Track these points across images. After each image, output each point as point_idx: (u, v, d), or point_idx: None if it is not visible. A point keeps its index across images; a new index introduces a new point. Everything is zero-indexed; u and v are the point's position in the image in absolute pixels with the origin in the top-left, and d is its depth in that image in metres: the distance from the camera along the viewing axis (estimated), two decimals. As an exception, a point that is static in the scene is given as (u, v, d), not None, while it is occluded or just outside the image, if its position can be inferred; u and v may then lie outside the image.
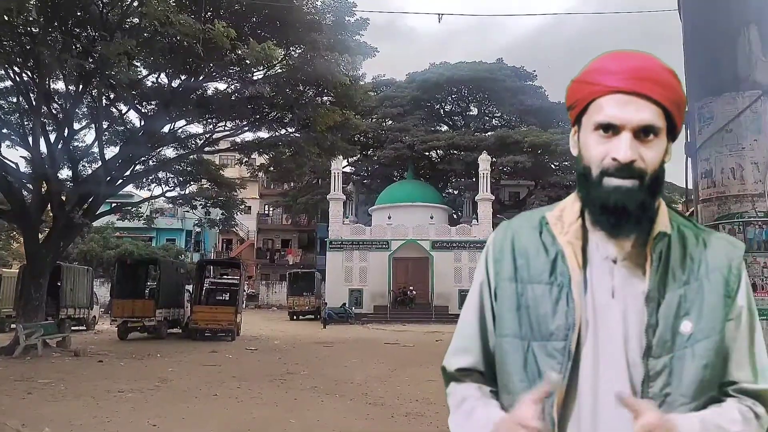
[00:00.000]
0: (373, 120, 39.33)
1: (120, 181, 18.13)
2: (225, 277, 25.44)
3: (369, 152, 42.54)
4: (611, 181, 1.02)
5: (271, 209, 50.76)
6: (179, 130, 22.55)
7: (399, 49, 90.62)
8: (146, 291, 20.19)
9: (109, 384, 10.14)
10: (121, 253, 29.63)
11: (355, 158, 44.42)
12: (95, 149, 19.25)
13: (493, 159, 32.95)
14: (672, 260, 1.05)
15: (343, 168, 41.03)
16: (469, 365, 1.16)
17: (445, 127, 43.93)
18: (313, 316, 31.20)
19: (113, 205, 22.51)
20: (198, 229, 47.58)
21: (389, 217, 32.12)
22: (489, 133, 38.40)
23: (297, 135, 19.49)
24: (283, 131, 21.43)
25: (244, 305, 43.45)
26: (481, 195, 31.80)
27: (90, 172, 18.88)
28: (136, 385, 10.13)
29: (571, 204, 1.12)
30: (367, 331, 25.66)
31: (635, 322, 1.03)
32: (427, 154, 42.76)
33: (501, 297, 1.12)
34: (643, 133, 1.02)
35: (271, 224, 50.84)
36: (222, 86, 21.47)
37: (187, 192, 23.56)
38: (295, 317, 31.73)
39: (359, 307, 30.64)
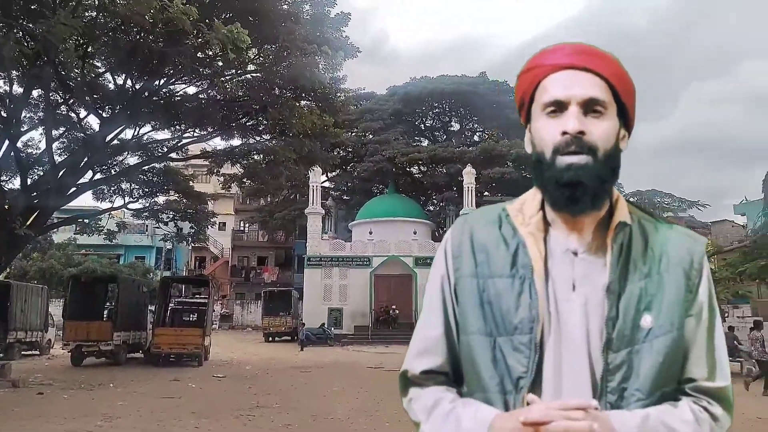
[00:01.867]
0: (353, 133, 38.07)
1: (73, 189, 16.37)
2: (196, 296, 23.62)
3: (348, 167, 41.20)
4: (564, 159, 1.00)
5: (246, 225, 48.89)
6: (144, 137, 20.95)
7: (380, 71, 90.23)
8: (104, 312, 18.29)
9: (40, 424, 8.43)
10: (82, 270, 27.55)
11: (334, 173, 43.12)
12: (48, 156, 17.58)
13: (478, 174, 31.81)
14: (633, 252, 1.03)
15: (322, 182, 39.68)
16: (434, 367, 1.11)
17: (426, 142, 42.90)
18: (290, 338, 29.42)
19: (69, 217, 20.57)
20: (169, 246, 45.47)
21: (370, 233, 30.66)
22: (472, 147, 37.36)
23: (272, 142, 18.04)
24: (257, 139, 19.97)
25: (215, 326, 41.76)
26: (466, 209, 30.53)
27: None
28: (72, 426, 8.44)
29: (531, 197, 1.10)
30: (348, 353, 24.01)
31: (596, 315, 1.02)
32: (408, 168, 41.59)
33: (462, 294, 1.09)
34: (590, 106, 1.01)
35: (246, 241, 48.91)
36: (190, 90, 19.98)
37: (152, 204, 21.79)
38: (270, 339, 29.89)
39: (339, 327, 28.96)
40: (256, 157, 21.84)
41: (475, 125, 43.63)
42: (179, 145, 19.04)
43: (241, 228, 49.58)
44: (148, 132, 21.02)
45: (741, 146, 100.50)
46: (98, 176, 18.49)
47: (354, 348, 25.76)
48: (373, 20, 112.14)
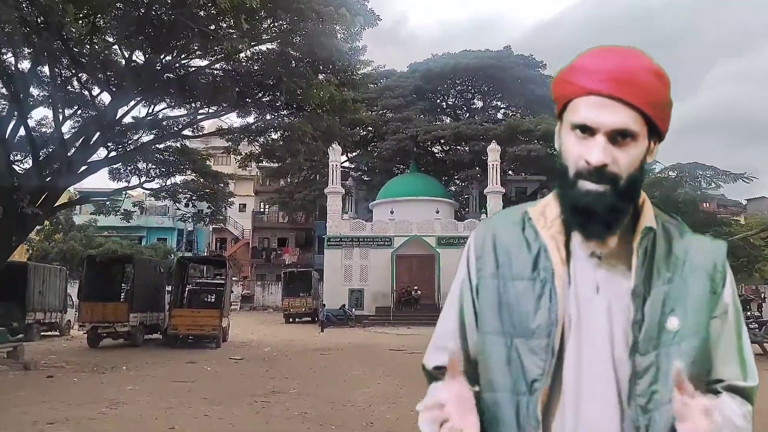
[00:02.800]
0: (374, 112, 37.11)
1: (84, 167, 15.89)
2: (215, 277, 23.22)
3: (369, 146, 40.33)
4: (584, 185, 1.01)
5: (266, 207, 48.50)
6: (158, 115, 20.40)
7: (400, 53, 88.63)
8: (120, 293, 17.93)
9: (42, 410, 7.95)
10: (102, 251, 27.37)
11: (354, 153, 42.28)
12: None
13: (503, 151, 30.69)
14: (657, 256, 1.04)
15: (342, 163, 38.90)
16: (444, 363, 1.07)
17: (448, 120, 41.71)
18: (310, 319, 29.02)
19: (82, 196, 20.18)
20: (190, 228, 45.49)
21: (392, 212, 29.88)
22: (497, 124, 36.12)
23: (289, 118, 17.27)
24: (274, 115, 19.24)
25: (235, 307, 41.69)
26: (491, 188, 29.58)
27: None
28: (77, 412, 7.95)
29: (553, 199, 1.10)
30: (369, 335, 23.47)
31: (620, 319, 1.02)
32: (430, 147, 40.55)
33: (483, 294, 1.09)
34: (619, 136, 1.01)
35: (266, 222, 48.59)
36: (204, 65, 19.29)
37: (170, 184, 21.30)
38: (290, 320, 29.54)
39: (360, 308, 28.41)
40: (273, 135, 21.18)
41: (499, 102, 42.26)
42: (193, 121, 18.37)
43: (262, 209, 49.24)
44: (163, 109, 20.49)
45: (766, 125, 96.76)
46: (112, 155, 17.94)
47: (375, 329, 25.21)
48: (391, 2, 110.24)
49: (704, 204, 17.60)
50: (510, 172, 34.34)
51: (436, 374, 1.13)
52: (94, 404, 8.50)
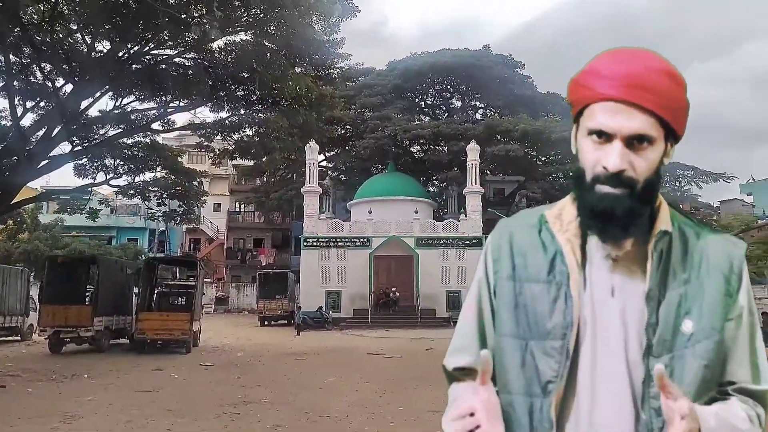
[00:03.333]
0: (352, 110, 36.50)
1: (44, 162, 14.99)
2: (189, 279, 22.33)
3: (347, 146, 39.71)
4: (601, 189, 1.01)
5: (242, 206, 47.52)
6: (127, 108, 19.53)
7: (381, 54, 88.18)
8: (85, 295, 17.01)
9: (-14, 426, 7.20)
10: (69, 252, 26.25)
11: (332, 153, 41.61)
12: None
13: (482, 151, 30.37)
14: (673, 258, 1.04)
15: (319, 162, 38.19)
16: (467, 364, 1.14)
17: (427, 119, 41.31)
18: (286, 322, 28.29)
19: (42, 194, 19.16)
20: (162, 228, 44.29)
21: (370, 212, 29.31)
22: (479, 117, 35.84)
23: (264, 113, 16.60)
24: (249, 110, 18.54)
25: (209, 310, 40.60)
26: (470, 188, 29.23)
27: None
28: (26, 427, 7.24)
29: (570, 202, 1.10)
30: (347, 338, 22.88)
31: (635, 321, 1.02)
32: (408, 147, 40.09)
33: (500, 295, 1.10)
34: (636, 141, 1.00)
35: (242, 222, 47.63)
36: (177, 57, 18.50)
37: (139, 181, 20.42)
38: (266, 323, 28.76)
39: (337, 310, 27.77)
40: (248, 131, 20.49)
41: (478, 102, 42.00)
42: (162, 114, 17.56)
43: (237, 209, 48.23)
44: (131, 102, 19.63)
45: (741, 127, 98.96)
46: (77, 149, 17.04)
47: (353, 332, 24.62)
48: (371, 3, 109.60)
49: (681, 205, 17.36)
50: (488, 172, 34.06)
51: (457, 375, 1.16)
52: (46, 418, 7.78)
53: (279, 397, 9.63)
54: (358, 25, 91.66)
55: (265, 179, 42.81)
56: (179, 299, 17.63)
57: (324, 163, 42.44)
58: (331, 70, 16.33)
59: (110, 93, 18.86)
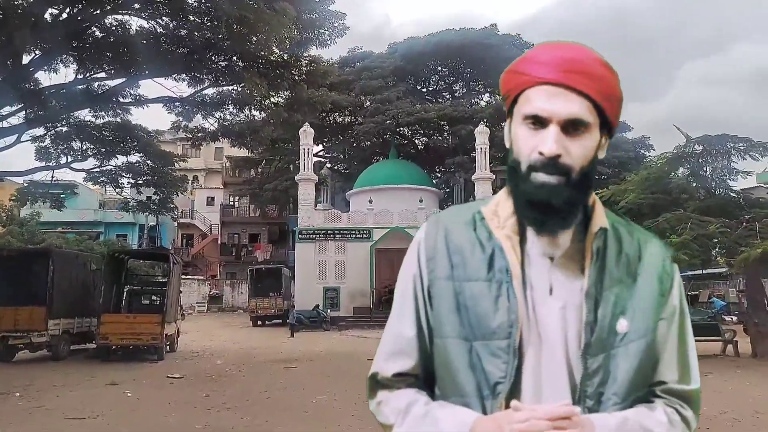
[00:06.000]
0: (350, 94, 34.10)
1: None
2: (163, 275, 20.03)
3: (345, 134, 37.33)
4: (538, 177, 0.99)
5: (236, 199, 45.15)
6: (94, 83, 17.21)
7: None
8: (44, 295, 14.59)
9: None
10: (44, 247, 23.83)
11: (329, 144, 39.23)
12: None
13: (492, 135, 27.97)
14: (608, 257, 1.04)
15: (316, 152, 35.85)
16: (406, 369, 1.09)
17: (430, 105, 38.87)
18: (280, 321, 25.93)
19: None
20: (153, 223, 42.02)
21: (370, 201, 26.97)
22: (486, 101, 33.39)
23: (241, 76, 14.17)
24: (228, 80, 16.17)
25: (203, 309, 38.36)
26: (480, 174, 26.88)
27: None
28: None
29: (505, 198, 1.08)
30: (345, 339, 20.58)
31: (574, 320, 1.02)
32: (411, 134, 37.70)
33: (438, 297, 1.07)
34: (571, 126, 0.99)
35: (236, 216, 45.30)
36: (146, 24, 16.16)
37: (107, 165, 18.10)
38: (258, 323, 26.49)
39: (336, 309, 25.45)
40: (231, 108, 18.15)
41: (483, 86, 39.44)
42: (121, 85, 15.22)
43: (231, 203, 45.89)
44: (100, 77, 17.30)
45: (734, 128, 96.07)
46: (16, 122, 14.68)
47: (353, 333, 22.32)
48: (373, 4, 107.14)
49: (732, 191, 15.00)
50: (500, 156, 31.59)
51: (392, 383, 1.09)
52: None
53: (253, 423, 7.35)
54: (359, 28, 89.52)
55: (260, 170, 40.50)
56: (152, 298, 15.34)
57: (321, 154, 40.15)
58: (322, 30, 13.98)
59: (75, 67, 16.60)
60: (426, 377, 1.08)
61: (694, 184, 15.00)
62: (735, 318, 24.86)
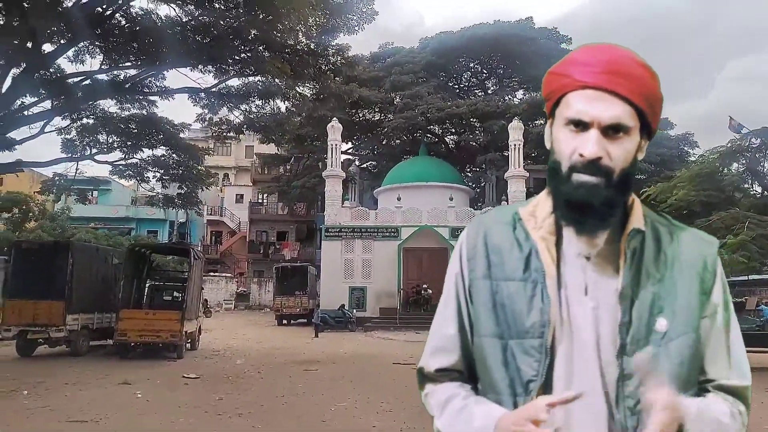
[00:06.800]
0: (380, 90, 33.41)
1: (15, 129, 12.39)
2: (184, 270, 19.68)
3: (374, 131, 36.66)
4: (578, 177, 1.00)
5: (265, 197, 44.95)
6: (120, 74, 16.94)
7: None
8: (63, 289, 14.31)
9: None
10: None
11: (358, 142, 38.64)
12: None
13: (526, 130, 26.92)
14: (646, 257, 1.04)
15: (345, 150, 35.28)
16: (448, 365, 1.13)
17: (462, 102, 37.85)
18: (305, 320, 25.42)
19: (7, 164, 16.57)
20: (182, 220, 42.17)
21: (399, 199, 26.22)
22: (519, 98, 32.26)
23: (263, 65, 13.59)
24: (251, 71, 15.63)
25: (230, 306, 38.22)
26: (513, 171, 25.87)
27: None
28: None
29: (544, 199, 1.10)
30: (371, 341, 19.89)
31: (608, 320, 1.02)
32: (442, 134, 36.81)
33: (476, 295, 1.10)
34: (612, 130, 1.00)
35: (265, 214, 45.06)
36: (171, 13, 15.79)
37: (130, 158, 17.81)
38: (283, 321, 26.01)
39: (362, 309, 24.76)
40: (257, 101, 17.67)
41: (517, 82, 38.22)
42: (141, 75, 14.83)
43: (260, 200, 45.72)
44: (126, 67, 17.02)
45: None
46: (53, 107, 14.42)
47: (379, 334, 21.60)
48: (407, 4, 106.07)
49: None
50: (529, 160, 30.32)
51: (437, 377, 1.13)
52: None
53: (263, 436, 6.70)
54: (392, 28, 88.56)
55: (288, 167, 40.21)
56: (175, 294, 14.92)
57: (350, 152, 39.60)
58: (350, 15, 13.31)
59: (101, 57, 16.36)
60: (470, 373, 1.12)
61: (750, 181, 13.81)
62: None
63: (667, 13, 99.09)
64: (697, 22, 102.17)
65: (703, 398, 1.02)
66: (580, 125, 1.00)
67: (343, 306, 24.04)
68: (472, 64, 37.99)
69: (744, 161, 13.54)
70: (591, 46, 1.05)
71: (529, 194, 29.42)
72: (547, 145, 1.07)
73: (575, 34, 38.45)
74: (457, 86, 39.64)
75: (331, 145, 26.10)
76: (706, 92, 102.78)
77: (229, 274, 41.80)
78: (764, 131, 13.35)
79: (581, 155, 0.99)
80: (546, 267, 1.03)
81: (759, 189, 13.91)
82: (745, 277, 25.26)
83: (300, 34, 14.46)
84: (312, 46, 14.79)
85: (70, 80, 15.21)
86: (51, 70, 15.29)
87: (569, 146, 1.01)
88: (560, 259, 1.04)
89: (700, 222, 11.68)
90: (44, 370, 11.59)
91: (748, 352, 1.08)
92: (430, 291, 24.39)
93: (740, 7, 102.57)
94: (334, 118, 26.16)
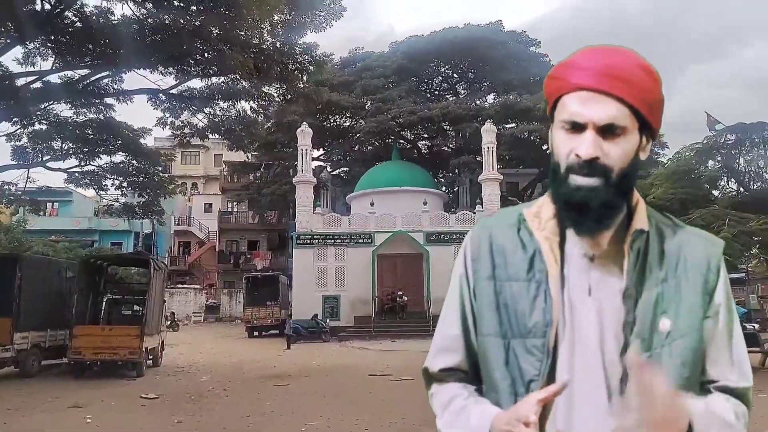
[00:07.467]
0: (351, 95, 32.86)
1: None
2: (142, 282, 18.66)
3: (345, 137, 36.06)
4: (575, 179, 1.01)
5: (234, 205, 43.85)
6: (74, 76, 16.00)
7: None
8: (10, 304, 13.22)
9: None
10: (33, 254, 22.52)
11: (328, 148, 38.00)
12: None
13: (499, 132, 26.65)
14: (650, 257, 1.05)
15: (316, 156, 34.59)
16: (452, 365, 1.14)
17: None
18: (277, 332, 24.55)
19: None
20: (148, 231, 40.76)
21: (372, 204, 25.63)
22: (490, 101, 32.07)
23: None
24: (220, 79, 14.90)
25: (199, 319, 36.98)
26: (486, 174, 25.53)
27: None
28: None
29: (548, 200, 1.10)
30: (346, 351, 19.18)
31: (611, 321, 1.02)
32: (413, 137, 36.39)
33: (480, 296, 1.10)
34: (608, 130, 1.00)
35: (234, 223, 43.94)
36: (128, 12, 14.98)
37: (86, 165, 16.82)
38: (255, 333, 25.09)
39: (335, 318, 24.02)
40: (221, 104, 16.92)
41: (488, 86, 38.05)
42: (91, 76, 13.98)
43: (229, 209, 44.58)
44: (83, 71, 16.09)
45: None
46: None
47: (354, 344, 20.91)
48: (378, 15, 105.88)
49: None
50: (501, 164, 29.96)
51: (442, 377, 1.14)
52: None
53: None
54: (362, 38, 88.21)
55: (258, 175, 39.24)
56: (129, 309, 14.00)
57: (321, 158, 38.91)
58: (317, 12, 12.71)
59: (53, 59, 15.42)
60: (474, 373, 1.12)
61: (726, 178, 13.64)
62: (757, 326, 23.66)
63: (632, 20, 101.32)
64: (660, 26, 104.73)
65: (708, 397, 1.02)
66: (576, 127, 1.00)
67: (316, 316, 23.27)
68: (443, 68, 37.76)
69: (720, 158, 13.37)
70: (590, 48, 1.04)
71: (503, 197, 29.19)
72: (549, 147, 1.08)
73: (543, 39, 38.62)
74: (428, 90, 39.34)
75: (301, 150, 25.39)
76: (668, 96, 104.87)
77: (198, 286, 40.56)
78: (740, 127, 13.20)
79: (577, 156, 0.99)
80: (549, 267, 1.04)
81: (735, 186, 13.75)
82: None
83: (265, 32, 13.80)
84: (278, 45, 14.13)
85: (17, 81, 14.23)
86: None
87: (566, 148, 1.01)
88: (564, 260, 1.05)
89: (679, 220, 11.38)
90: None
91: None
92: (406, 298, 23.83)
93: (702, 14, 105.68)
94: (304, 123, 25.50)
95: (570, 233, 1.05)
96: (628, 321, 1.00)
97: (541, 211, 1.09)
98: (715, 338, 1.04)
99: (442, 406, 1.12)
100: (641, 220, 1.05)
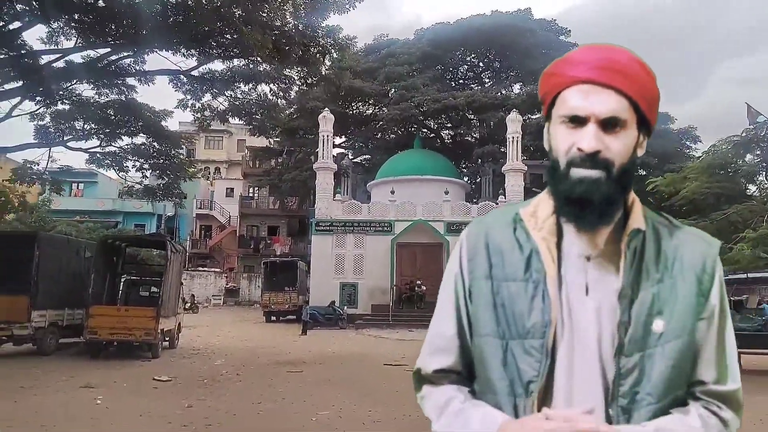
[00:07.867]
0: (374, 82, 32.45)
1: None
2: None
3: (368, 125, 35.70)
4: (577, 172, 1.00)
5: (255, 191, 43.93)
6: (95, 56, 15.93)
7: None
8: (28, 283, 13.28)
9: None
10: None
11: (350, 136, 37.70)
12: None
13: (525, 122, 26.04)
14: (646, 257, 1.04)
15: (337, 144, 34.37)
16: (447, 366, 1.12)
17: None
18: (294, 317, 24.50)
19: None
20: (171, 213, 41.07)
21: (392, 193, 25.30)
22: (516, 91, 31.37)
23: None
24: (234, 53, 14.68)
25: (219, 302, 37.25)
26: (510, 165, 24.99)
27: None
28: None
29: (545, 199, 1.09)
30: (362, 339, 19.01)
31: (609, 320, 1.02)
32: (436, 125, 35.89)
33: (476, 296, 1.09)
34: (609, 124, 1.00)
35: (255, 208, 44.01)
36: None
37: (107, 146, 16.80)
38: (272, 318, 25.09)
39: (353, 306, 23.85)
40: (242, 86, 16.73)
41: (514, 76, 37.25)
42: (118, 58, 13.86)
43: (250, 194, 44.68)
44: (105, 52, 16.03)
45: None
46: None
47: (370, 332, 20.72)
48: (404, 5, 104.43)
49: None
50: (532, 148, 29.43)
51: (435, 378, 1.12)
52: None
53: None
54: (390, 27, 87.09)
55: (280, 161, 39.18)
56: (146, 290, 13.98)
57: (344, 146, 38.66)
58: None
59: (76, 39, 15.37)
60: (469, 374, 1.10)
61: (765, 173, 12.99)
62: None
63: (664, 14, 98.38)
64: (694, 21, 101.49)
65: (670, 416, 0.99)
66: (577, 121, 0.99)
67: (333, 302, 23.13)
68: (468, 56, 37.09)
69: (759, 152, 12.72)
70: (585, 46, 1.05)
71: (527, 189, 28.62)
72: (546, 147, 1.07)
73: (574, 29, 37.64)
74: (453, 78, 38.70)
75: (323, 136, 25.13)
76: (698, 92, 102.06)
77: (219, 270, 40.84)
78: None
79: (579, 149, 0.98)
80: (547, 267, 1.03)
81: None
82: (744, 275, 24.68)
83: (287, 14, 13.50)
84: (300, 27, 13.83)
85: (41, 60, 14.21)
86: (22, 51, 14.24)
87: (567, 142, 1.00)
88: (561, 260, 1.04)
89: (715, 215, 10.88)
90: (3, 371, 10.66)
91: (750, 353, 0.99)
92: (424, 287, 23.51)
93: (736, 9, 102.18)
94: (326, 109, 25.22)
95: (567, 233, 1.05)
96: (623, 321, 0.99)
97: (537, 210, 1.08)
98: (708, 340, 1.03)
99: (438, 409, 1.09)
100: (638, 219, 1.04)
